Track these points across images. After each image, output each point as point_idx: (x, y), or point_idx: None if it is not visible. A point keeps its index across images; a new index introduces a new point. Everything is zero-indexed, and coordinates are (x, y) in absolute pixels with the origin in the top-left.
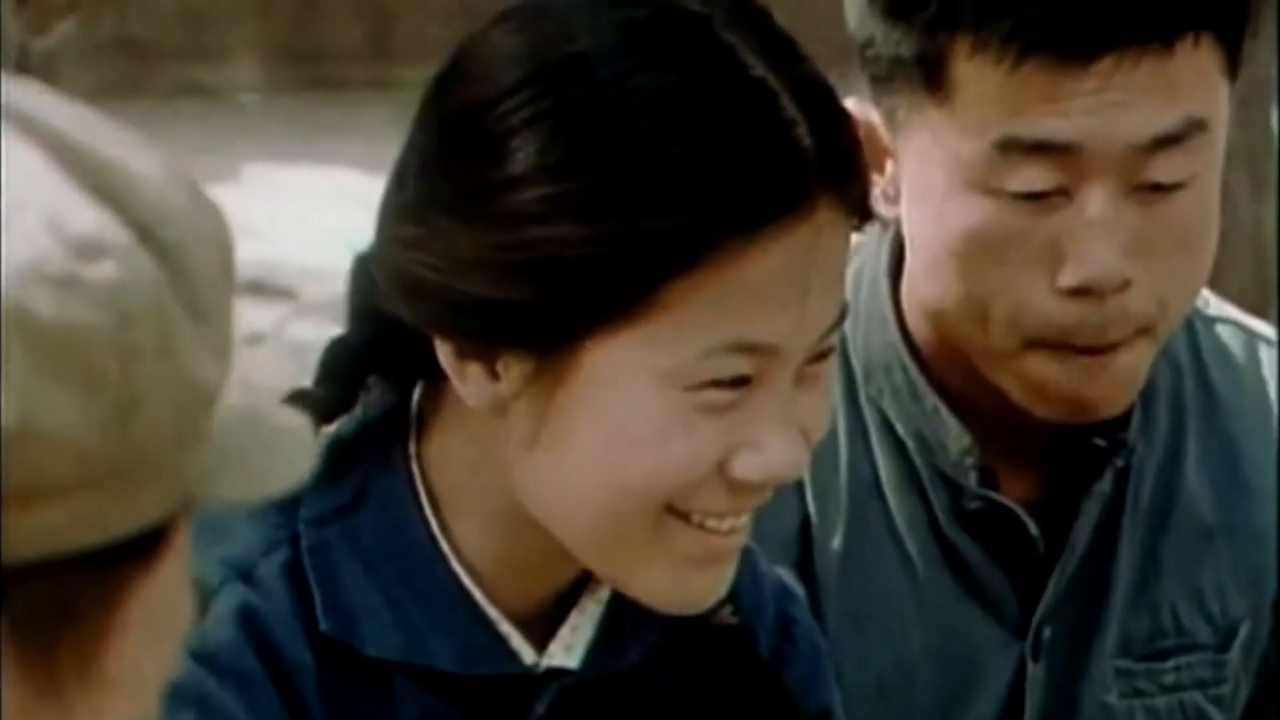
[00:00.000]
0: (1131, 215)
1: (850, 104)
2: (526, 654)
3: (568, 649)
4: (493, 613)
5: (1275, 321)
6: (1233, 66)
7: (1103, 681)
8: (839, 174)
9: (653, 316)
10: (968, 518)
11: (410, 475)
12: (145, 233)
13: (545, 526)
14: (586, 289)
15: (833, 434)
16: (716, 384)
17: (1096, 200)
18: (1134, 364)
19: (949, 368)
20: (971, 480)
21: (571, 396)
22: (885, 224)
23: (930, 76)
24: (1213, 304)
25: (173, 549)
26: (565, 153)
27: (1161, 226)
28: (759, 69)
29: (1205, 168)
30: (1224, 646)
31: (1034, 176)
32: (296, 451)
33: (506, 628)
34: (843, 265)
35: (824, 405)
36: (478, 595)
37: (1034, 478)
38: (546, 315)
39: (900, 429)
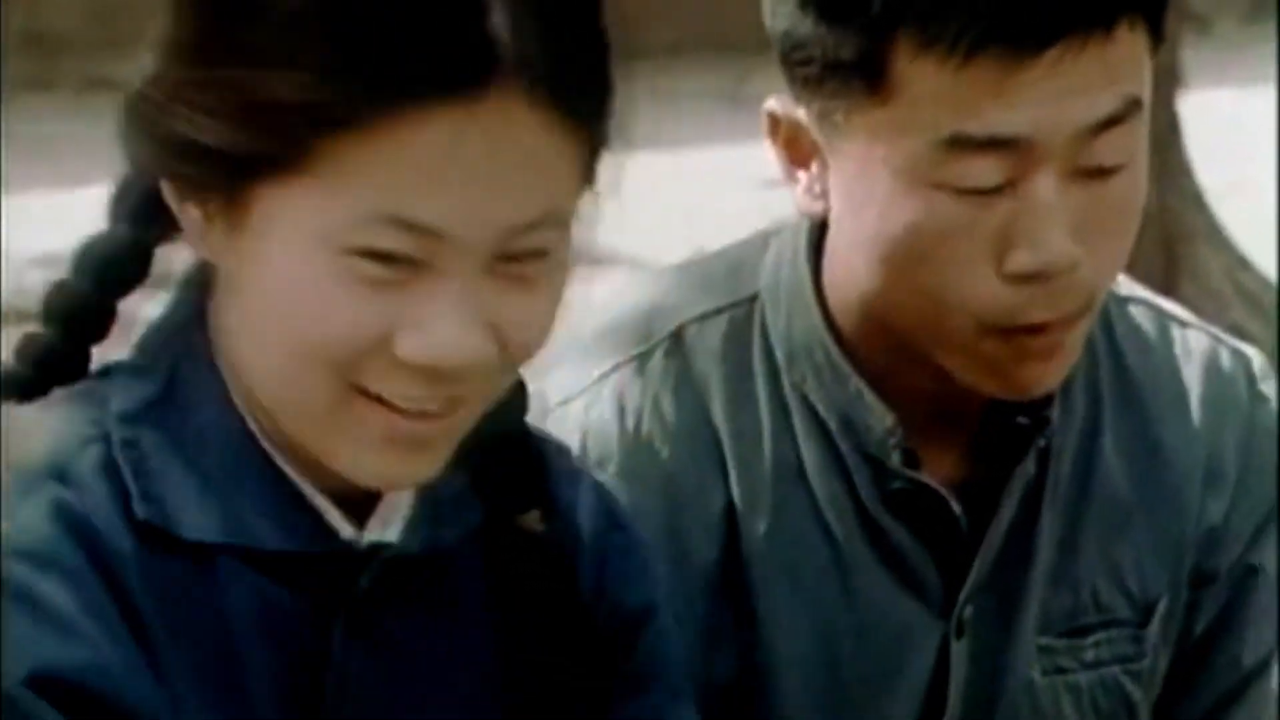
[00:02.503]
0: (1076, 198)
1: (772, 102)
2: (345, 530)
3: (386, 524)
4: (308, 489)
5: (1179, 300)
6: (1156, 46)
7: (1025, 658)
8: (533, 67)
9: (313, 174)
10: (892, 499)
11: (213, 359)
12: None
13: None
14: (255, 135)
15: (755, 418)
16: (373, 255)
17: (1044, 187)
18: (1075, 339)
19: (872, 350)
20: (895, 461)
21: (246, 245)
22: (813, 218)
23: (871, 77)
24: (1124, 284)
25: None
26: (251, 3)
27: (1102, 207)
28: None
29: (1139, 148)
30: (1143, 622)
31: (983, 171)
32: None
33: (323, 504)
34: (545, 164)
35: (534, 309)
36: (291, 474)
37: (958, 458)
38: (223, 159)
39: (823, 412)
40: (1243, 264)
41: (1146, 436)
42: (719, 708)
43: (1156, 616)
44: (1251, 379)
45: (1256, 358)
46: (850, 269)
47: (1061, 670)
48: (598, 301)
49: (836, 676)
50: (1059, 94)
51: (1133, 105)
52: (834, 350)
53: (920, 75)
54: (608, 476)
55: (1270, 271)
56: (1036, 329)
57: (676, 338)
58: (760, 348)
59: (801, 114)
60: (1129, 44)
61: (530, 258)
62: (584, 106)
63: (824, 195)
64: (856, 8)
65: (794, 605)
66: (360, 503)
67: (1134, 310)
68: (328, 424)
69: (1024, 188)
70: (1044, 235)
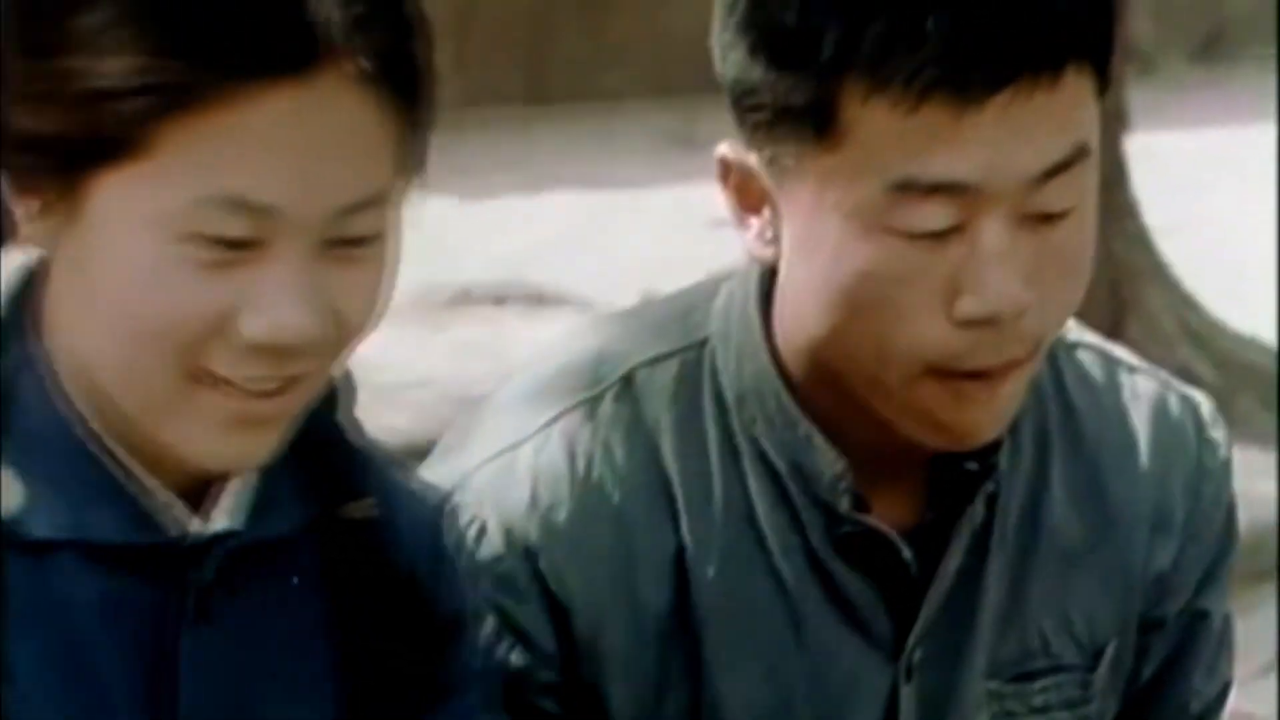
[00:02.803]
0: (1025, 244)
1: (724, 149)
2: (186, 521)
3: (229, 514)
4: (149, 482)
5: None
6: (1103, 90)
7: (973, 703)
8: (360, 50)
9: (149, 157)
10: (842, 543)
11: (45, 355)
12: None
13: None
14: (88, 122)
15: (705, 463)
16: (210, 239)
17: (993, 232)
18: (1017, 385)
19: (822, 395)
20: (845, 505)
21: (83, 234)
22: (764, 263)
23: (821, 122)
24: (1072, 329)
25: None
26: None
27: (1051, 253)
28: None
29: (1088, 193)
30: (1091, 667)
31: (932, 216)
32: None
33: (164, 496)
34: (371, 144)
35: (365, 289)
36: (131, 466)
37: (907, 503)
38: (61, 145)
39: (773, 456)
40: (1189, 303)
41: (1094, 482)
42: None
43: (1104, 661)
44: (1200, 424)
45: (1205, 403)
46: (800, 314)
47: (1010, 714)
48: (546, 345)
49: (787, 719)
50: (1008, 140)
51: (1081, 151)
52: (784, 395)
53: (870, 120)
54: (560, 520)
55: (1216, 311)
56: (979, 374)
57: (627, 381)
58: (710, 392)
59: (753, 160)
60: (1076, 89)
61: (359, 242)
62: (407, 88)
63: (775, 241)
64: (807, 53)
65: (744, 649)
66: (200, 494)
67: (1082, 355)
68: (172, 409)
69: (973, 233)
70: (993, 281)
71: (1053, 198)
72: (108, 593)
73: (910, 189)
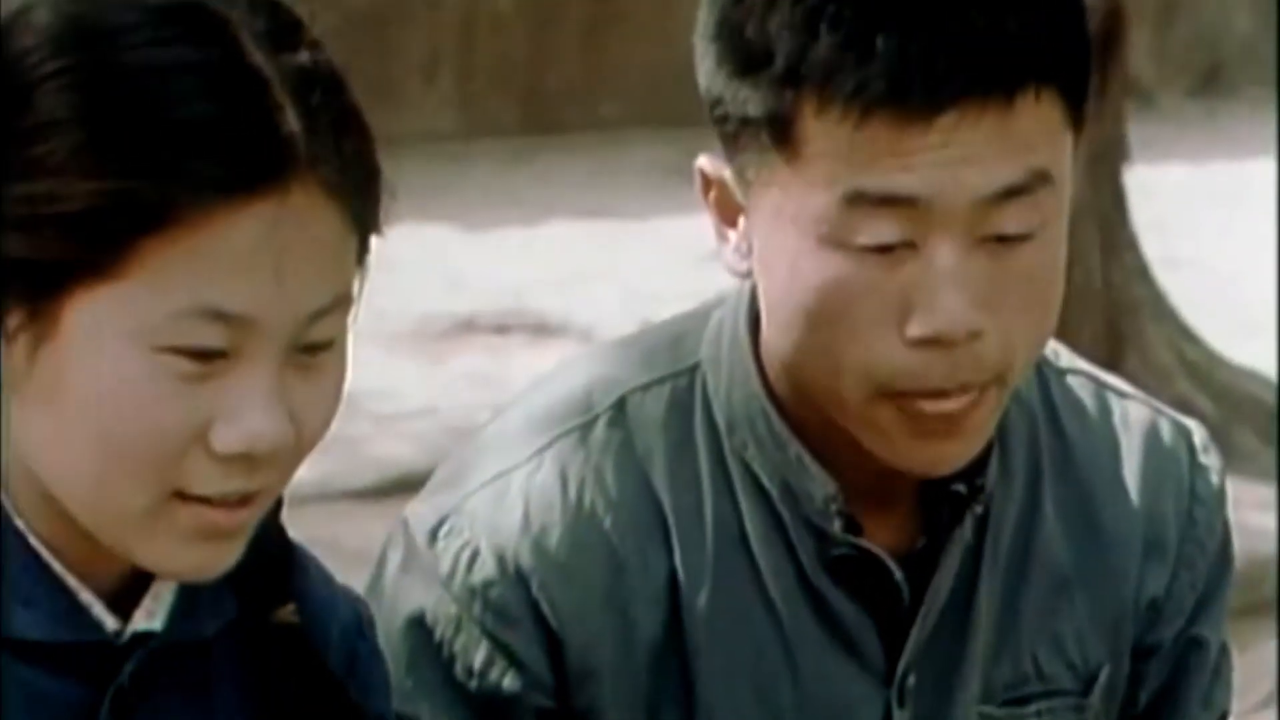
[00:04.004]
0: (979, 266)
1: (703, 161)
2: (109, 621)
3: (150, 615)
4: (72, 582)
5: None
6: (1076, 120)
7: None
8: (324, 161)
9: (125, 275)
10: (834, 566)
11: None
12: None
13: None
14: (66, 244)
15: (697, 488)
16: (186, 351)
17: (944, 252)
18: (981, 416)
19: (811, 417)
20: (836, 528)
21: (57, 354)
22: (740, 277)
23: (778, 134)
24: (1063, 355)
25: None
26: (60, 112)
27: (1009, 277)
28: (257, 57)
29: (1051, 219)
30: (1085, 691)
31: (881, 229)
32: None
33: (87, 597)
34: (335, 252)
35: (322, 401)
36: (56, 567)
37: (899, 525)
38: (32, 269)
39: (765, 479)
40: (1187, 336)
41: (1086, 507)
42: None
43: (1098, 687)
44: (1192, 451)
45: (1197, 430)
46: (768, 331)
47: None
48: (539, 375)
49: None
50: (955, 160)
51: (1038, 177)
52: (774, 417)
53: (822, 133)
54: (552, 545)
55: (1215, 344)
56: (936, 396)
57: (619, 408)
58: (702, 417)
59: (727, 173)
60: (1035, 115)
61: (320, 348)
62: (364, 194)
63: (749, 254)
64: (761, 65)
65: (736, 673)
66: (125, 595)
67: (1073, 382)
68: (142, 525)
69: (925, 251)
70: (941, 300)
71: (1009, 221)
72: (33, 690)
73: (860, 201)
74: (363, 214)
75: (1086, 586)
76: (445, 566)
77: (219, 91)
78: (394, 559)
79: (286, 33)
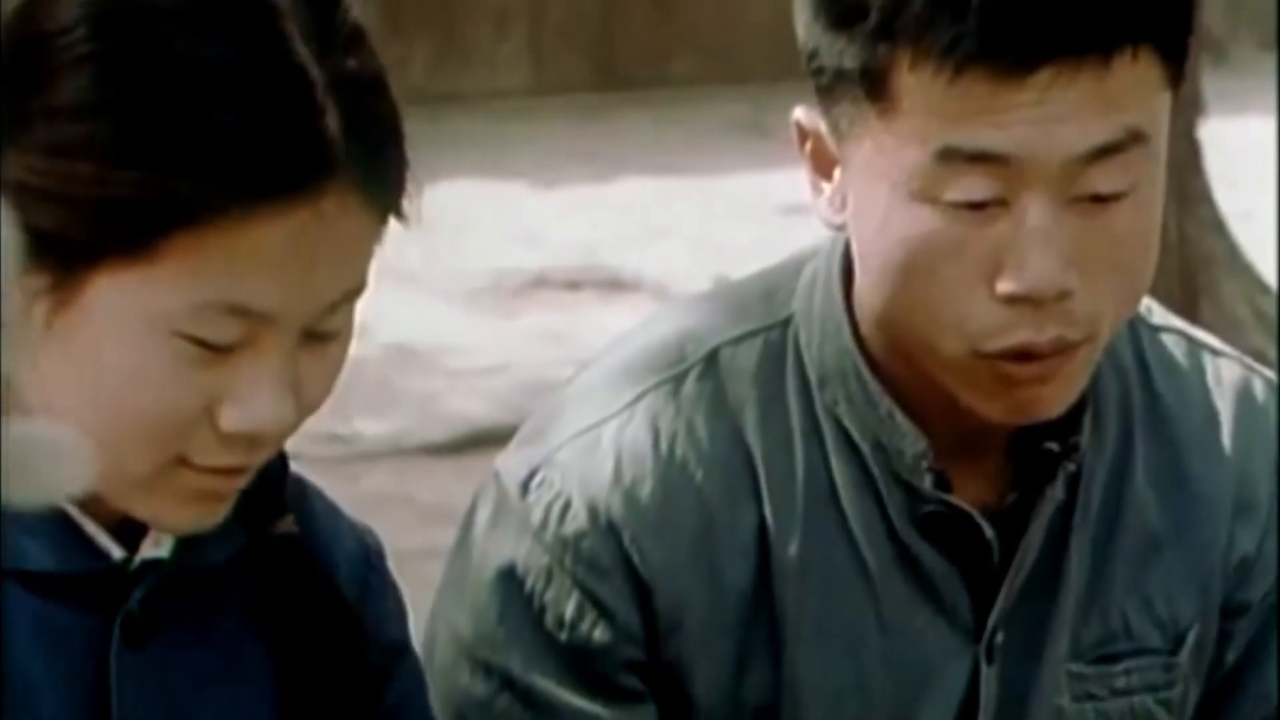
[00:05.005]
0: (1070, 225)
1: (799, 113)
2: (115, 551)
3: (158, 543)
4: (75, 513)
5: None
6: (1174, 78)
7: (1055, 684)
8: (360, 165)
9: (153, 263)
10: (923, 522)
11: None
12: None
13: None
14: (98, 226)
15: (788, 442)
16: (202, 342)
17: (1035, 211)
18: (1073, 368)
19: (902, 373)
20: (927, 484)
21: (75, 322)
22: (834, 230)
23: (873, 87)
24: (1157, 312)
25: None
26: (101, 96)
27: (1101, 237)
28: (302, 57)
29: (1145, 179)
30: (1174, 651)
31: (973, 186)
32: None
33: (91, 528)
34: (359, 248)
35: (326, 378)
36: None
37: (989, 482)
38: (61, 243)
39: (855, 435)
40: (1263, 289)
41: (1177, 465)
42: None
43: (1187, 646)
44: None
45: None
46: (861, 285)
47: (1092, 697)
48: (626, 330)
49: (866, 699)
50: (1048, 117)
51: (1133, 137)
52: (865, 372)
53: (916, 87)
54: (643, 497)
55: None
56: (1025, 355)
57: (711, 360)
58: (794, 370)
59: (822, 124)
60: (1132, 73)
61: (333, 332)
62: (394, 192)
63: (843, 207)
64: (856, 18)
65: (824, 627)
66: (129, 529)
67: (1166, 339)
68: (143, 487)
69: (1016, 210)
70: (1032, 259)
71: (1101, 180)
72: (44, 621)
73: (953, 158)
74: (390, 209)
75: (1176, 545)
76: (537, 518)
77: (262, 92)
78: (484, 511)
79: (334, 31)
